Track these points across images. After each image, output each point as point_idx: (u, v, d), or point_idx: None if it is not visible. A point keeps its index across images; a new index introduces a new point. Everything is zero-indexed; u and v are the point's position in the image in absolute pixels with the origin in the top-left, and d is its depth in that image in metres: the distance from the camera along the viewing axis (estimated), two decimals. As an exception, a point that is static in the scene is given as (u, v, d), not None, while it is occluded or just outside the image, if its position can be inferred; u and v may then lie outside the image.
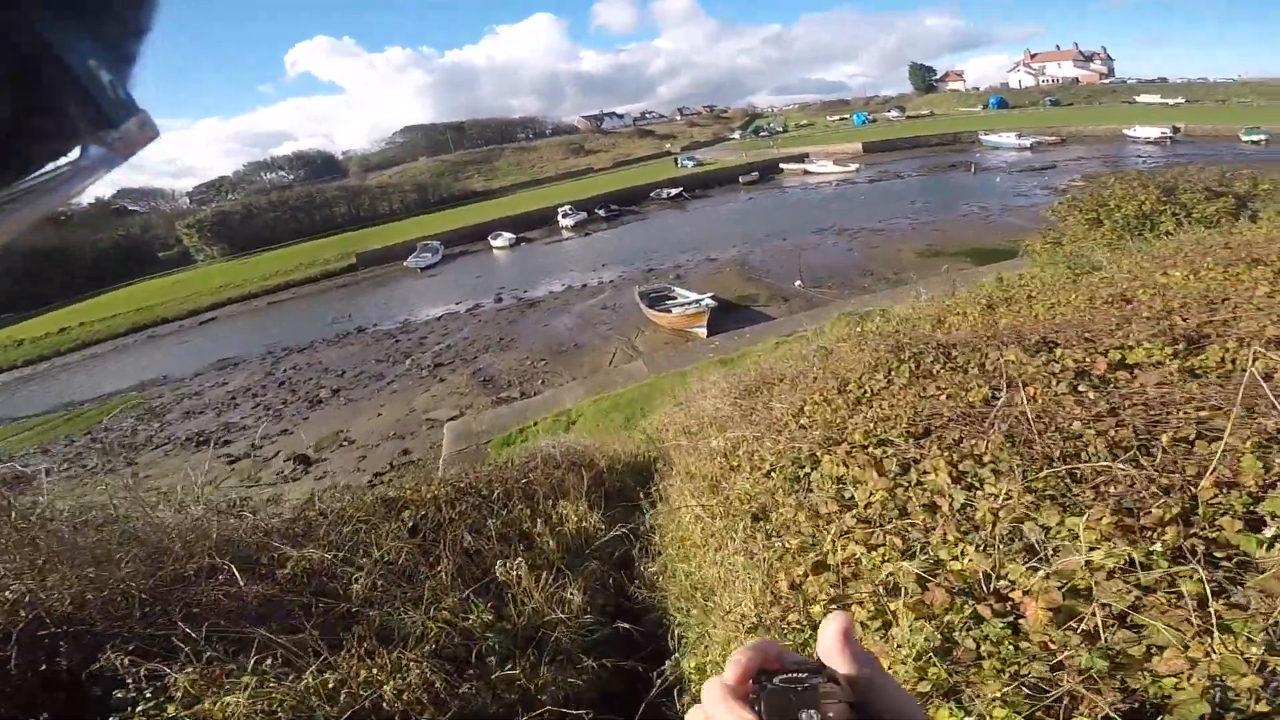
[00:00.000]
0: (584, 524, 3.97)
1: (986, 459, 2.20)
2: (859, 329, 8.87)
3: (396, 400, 17.81)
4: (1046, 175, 37.32)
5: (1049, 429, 2.21)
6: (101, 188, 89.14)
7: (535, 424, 11.72)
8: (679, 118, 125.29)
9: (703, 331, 16.83)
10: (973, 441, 2.34)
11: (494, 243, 41.44)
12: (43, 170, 0.21)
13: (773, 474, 3.09)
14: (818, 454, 2.92)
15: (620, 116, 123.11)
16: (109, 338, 36.90)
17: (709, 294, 18.84)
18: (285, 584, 3.14)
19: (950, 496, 2.06)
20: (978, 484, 2.11)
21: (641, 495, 4.72)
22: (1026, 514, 1.82)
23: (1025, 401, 2.32)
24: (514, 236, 41.53)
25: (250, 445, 16.63)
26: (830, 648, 0.48)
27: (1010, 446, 2.19)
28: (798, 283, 21.20)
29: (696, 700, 0.48)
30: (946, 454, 2.32)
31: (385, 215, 66.64)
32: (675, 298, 20.15)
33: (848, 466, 2.64)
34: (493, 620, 3.28)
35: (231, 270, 50.97)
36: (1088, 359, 2.79)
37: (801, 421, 3.68)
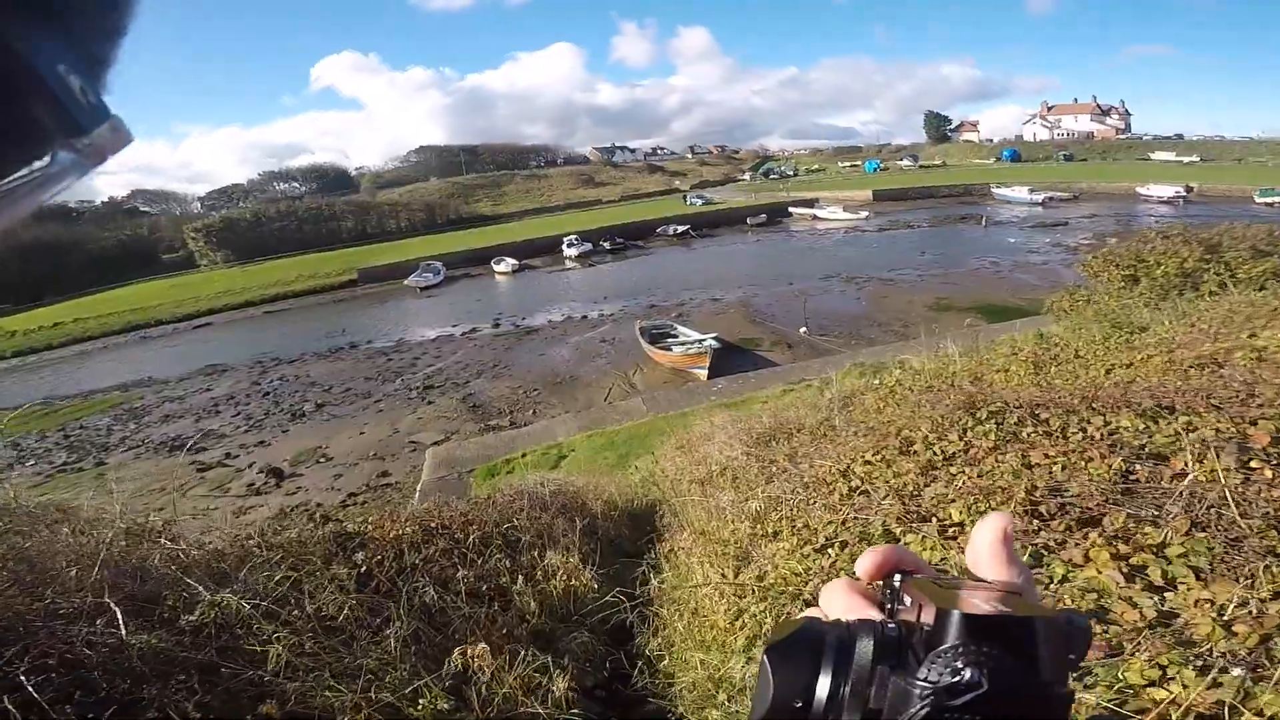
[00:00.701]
0: (574, 581, 3.35)
1: (1172, 550, 1.63)
2: (876, 380, 8.34)
3: (381, 420, 17.30)
4: (1058, 232, 37.06)
5: (1248, 512, 1.65)
6: (117, 187, 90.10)
7: (523, 455, 11.05)
8: (690, 155, 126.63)
9: (703, 373, 16.27)
10: (1137, 526, 1.77)
11: (496, 268, 41.09)
12: (12, 178, 0.21)
13: (830, 549, 2.50)
14: (895, 531, 2.34)
15: (632, 150, 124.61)
16: (101, 335, 36.51)
17: (712, 334, 18.37)
18: (187, 636, 2.51)
19: (1135, 602, 1.48)
20: (1167, 583, 1.55)
21: (642, 551, 4.11)
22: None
23: (1217, 477, 1.76)
24: (517, 263, 41.14)
25: (224, 454, 16.09)
26: (984, 553, 0.42)
27: (1200, 534, 1.63)
28: (803, 329, 20.71)
29: None
30: (1106, 543, 1.75)
31: (392, 233, 66.41)
32: (677, 336, 19.66)
33: (946, 551, 2.06)
34: (450, 710, 2.65)
35: (232, 277, 50.65)
36: (1233, 428, 2.24)
37: (853, 483, 3.09)
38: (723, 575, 2.76)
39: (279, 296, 42.03)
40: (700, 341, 17.60)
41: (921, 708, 0.34)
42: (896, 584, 0.42)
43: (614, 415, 13.13)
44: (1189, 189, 47.05)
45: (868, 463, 3.23)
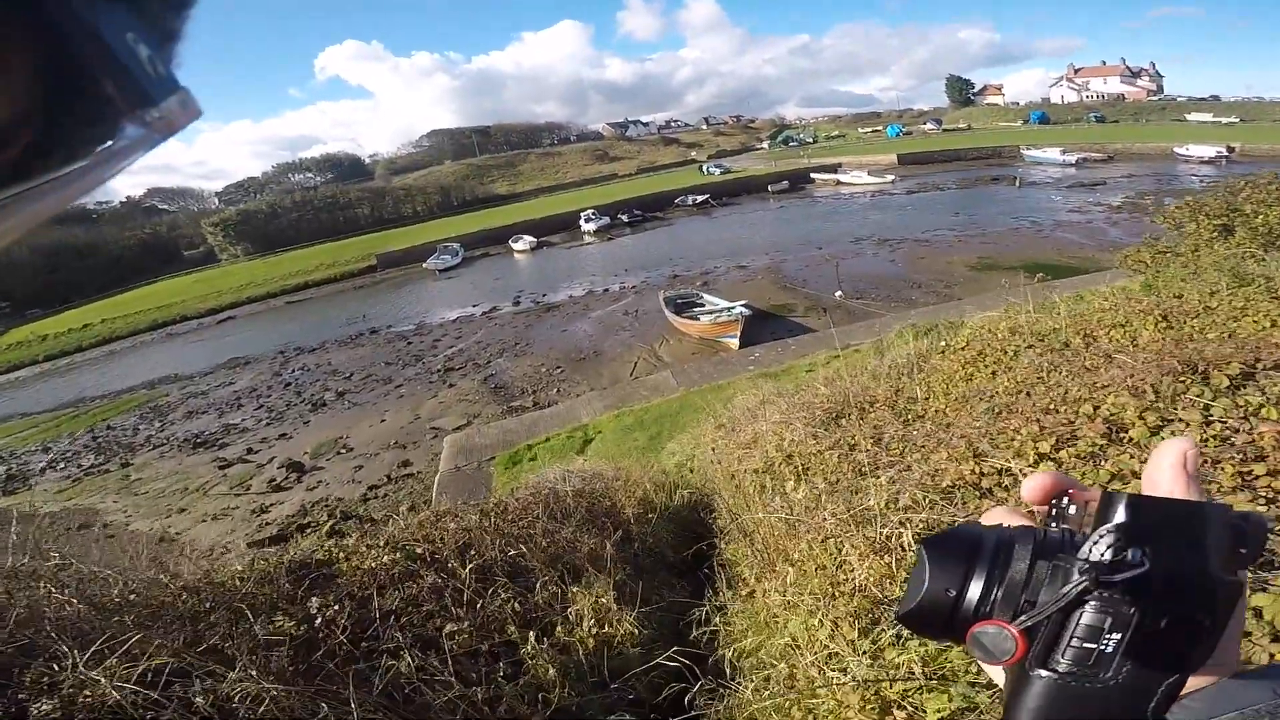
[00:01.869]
0: (608, 629, 2.44)
1: None
2: (943, 341, 7.30)
3: (402, 406, 16.74)
4: (1097, 192, 35.23)
5: None
6: (133, 187, 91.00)
7: (546, 440, 10.22)
8: (705, 127, 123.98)
9: (734, 342, 15.32)
10: None
11: (514, 246, 40.60)
12: (90, 154, 0.20)
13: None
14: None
15: (646, 124, 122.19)
16: (129, 334, 37.10)
17: (741, 301, 17.33)
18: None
19: None
20: None
21: (690, 566, 3.19)
22: None
23: None
24: (535, 240, 40.55)
25: (246, 449, 15.81)
26: (1162, 477, 0.39)
27: None
28: (838, 293, 19.68)
29: None
30: None
31: (408, 217, 66.17)
32: (704, 305, 18.73)
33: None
34: None
35: (254, 269, 51.19)
36: None
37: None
38: (850, 644, 1.82)
39: (300, 286, 42.21)
40: (730, 309, 16.62)
41: (1079, 583, 0.33)
42: (1064, 503, 0.40)
43: (641, 392, 12.21)
44: (1231, 149, 44.86)
45: (1050, 458, 2.25)
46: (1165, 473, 0.39)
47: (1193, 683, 0.37)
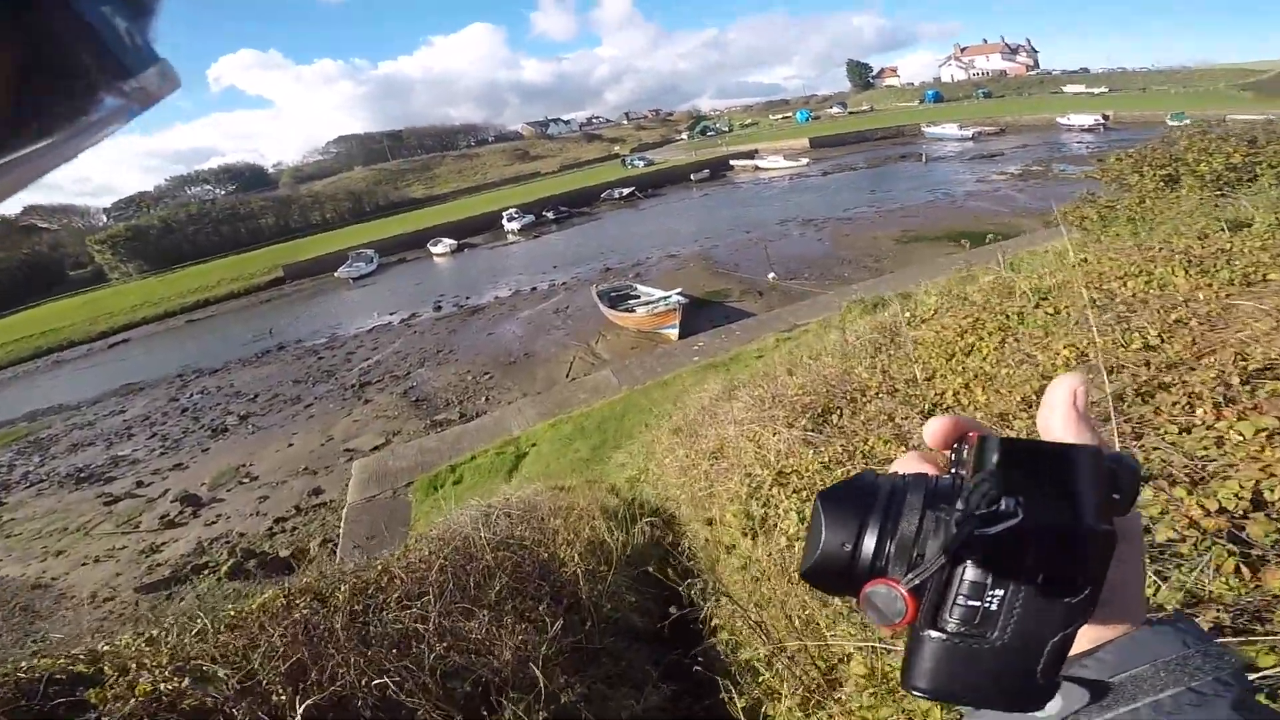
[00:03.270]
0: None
1: None
2: (909, 312, 6.68)
3: (312, 427, 15.28)
4: (997, 162, 36.96)
5: None
6: (7, 206, 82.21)
7: (472, 458, 9.06)
8: (626, 122, 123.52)
9: (674, 332, 14.64)
10: None
11: (434, 249, 38.70)
12: (67, 128, 0.20)
13: None
14: None
15: (567, 123, 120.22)
16: (10, 364, 33.93)
17: (676, 290, 16.63)
18: None
19: None
20: None
21: (657, 629, 2.28)
22: None
23: None
24: (455, 242, 38.76)
25: (136, 483, 14.29)
26: (1054, 415, 0.39)
27: None
28: (771, 275, 19.44)
29: None
30: None
31: (317, 226, 62.63)
32: (639, 296, 18.00)
33: None
34: None
35: (149, 288, 47.29)
36: None
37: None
38: None
39: (200, 304, 39.32)
40: (666, 298, 15.90)
41: (955, 537, 0.33)
42: (962, 448, 0.39)
43: (580, 394, 11.18)
44: (1106, 116, 48.29)
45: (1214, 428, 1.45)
46: (1055, 412, 0.38)
47: (1102, 634, 0.37)
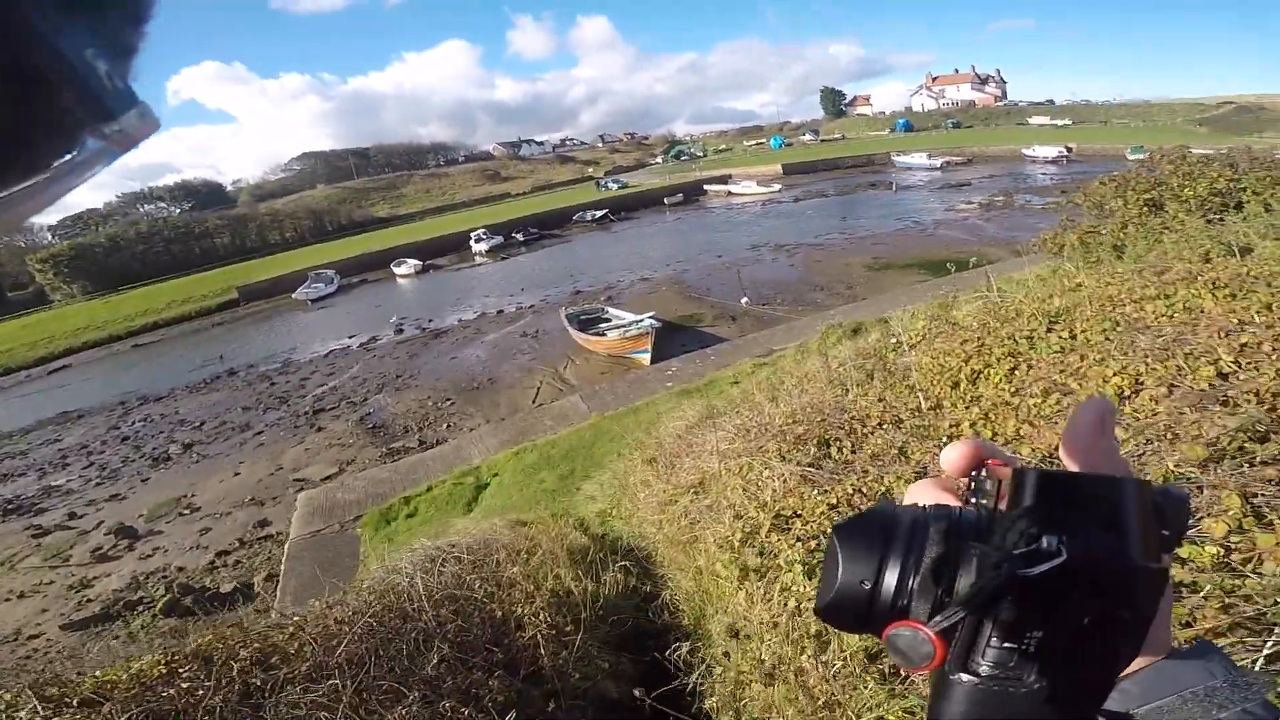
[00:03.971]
0: None
1: None
2: (903, 338, 6.36)
3: (261, 456, 14.45)
4: (964, 192, 37.87)
5: None
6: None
7: (429, 489, 8.33)
8: (601, 144, 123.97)
9: (646, 357, 14.19)
10: None
11: (397, 270, 37.57)
12: (53, 167, 0.20)
13: None
14: None
15: (540, 144, 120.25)
16: None
17: (649, 314, 16.24)
18: None
19: None
20: None
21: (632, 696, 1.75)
22: None
23: None
24: (420, 263, 37.70)
25: (68, 514, 13.36)
26: (1078, 440, 0.37)
27: None
28: (744, 300, 19.35)
29: None
30: None
31: (276, 245, 60.43)
32: (610, 320, 17.55)
33: None
34: None
35: (93, 310, 44.73)
36: None
37: None
38: None
39: (147, 327, 37.18)
40: (638, 322, 15.48)
41: (992, 579, 0.30)
42: (981, 475, 0.37)
43: (545, 421, 10.56)
44: (1069, 149, 49.66)
45: None
46: (1081, 439, 0.37)
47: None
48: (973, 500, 0.37)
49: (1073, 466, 0.37)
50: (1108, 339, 3.29)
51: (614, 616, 2.96)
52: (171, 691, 1.92)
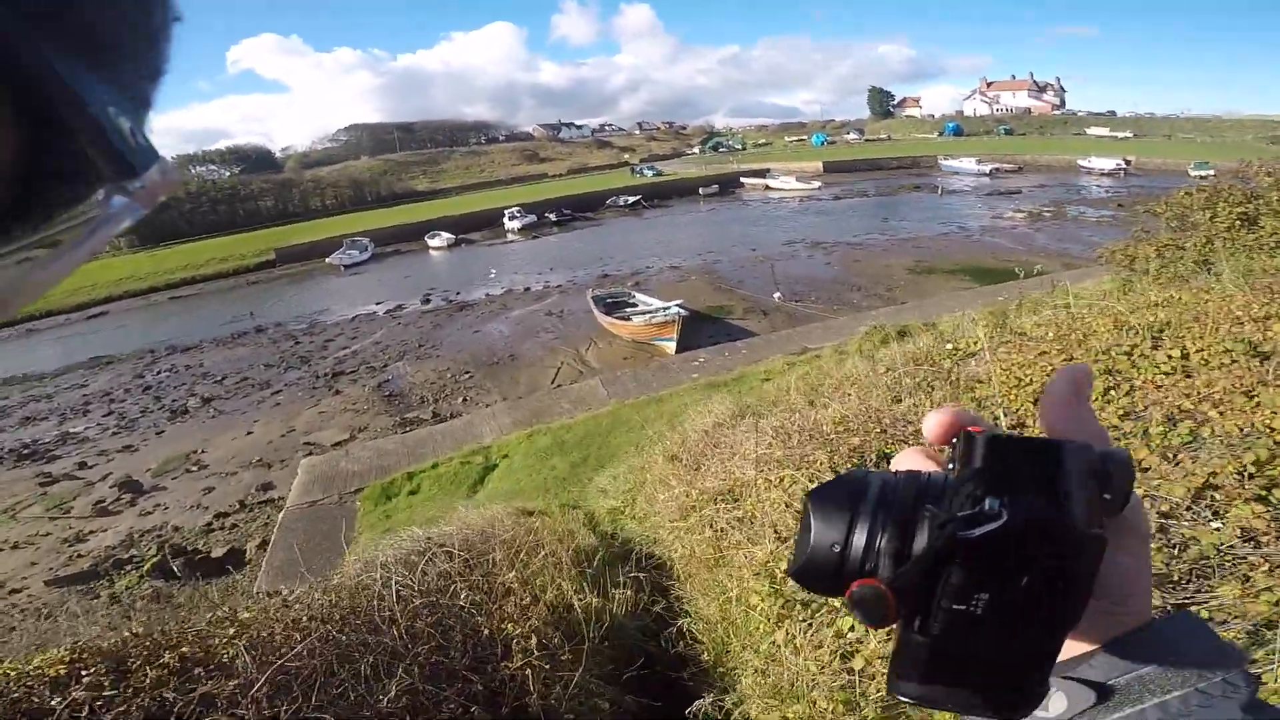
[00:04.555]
0: None
1: None
2: (950, 344, 5.82)
3: (275, 416, 14.32)
4: (1015, 200, 36.55)
5: None
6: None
7: (434, 465, 7.98)
8: (639, 132, 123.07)
9: (671, 346, 13.74)
10: None
11: (430, 242, 37.55)
12: (65, 218, 0.20)
13: None
14: None
15: (579, 127, 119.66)
16: None
17: (676, 301, 15.74)
18: None
19: None
20: None
21: None
22: None
23: None
24: (453, 237, 37.67)
25: (78, 463, 13.33)
26: (1053, 407, 0.38)
27: None
28: (776, 295, 18.73)
29: None
30: None
31: (317, 211, 61.11)
32: (636, 305, 17.12)
33: None
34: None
35: (137, 262, 45.71)
36: None
37: None
38: None
39: (186, 281, 37.92)
40: (665, 309, 15.00)
41: (937, 540, 0.32)
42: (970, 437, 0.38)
43: (563, 404, 10.14)
44: (1127, 161, 47.77)
45: None
46: (1055, 403, 0.37)
47: (1108, 633, 0.36)
48: (949, 466, 0.37)
49: (1051, 434, 0.36)
50: (1235, 361, 2.71)
51: (620, 640, 2.50)
52: (57, 700, 1.53)
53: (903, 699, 0.33)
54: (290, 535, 7.16)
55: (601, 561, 3.14)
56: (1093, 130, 74.05)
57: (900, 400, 3.89)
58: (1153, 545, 1.74)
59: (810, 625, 1.82)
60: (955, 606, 0.31)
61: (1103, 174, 46.54)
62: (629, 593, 2.75)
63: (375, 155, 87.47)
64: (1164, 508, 1.68)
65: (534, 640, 2.19)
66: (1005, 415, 2.84)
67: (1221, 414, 2.11)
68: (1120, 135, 68.32)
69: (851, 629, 1.73)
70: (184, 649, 1.96)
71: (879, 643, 1.63)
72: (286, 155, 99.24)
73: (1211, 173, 39.41)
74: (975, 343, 5.28)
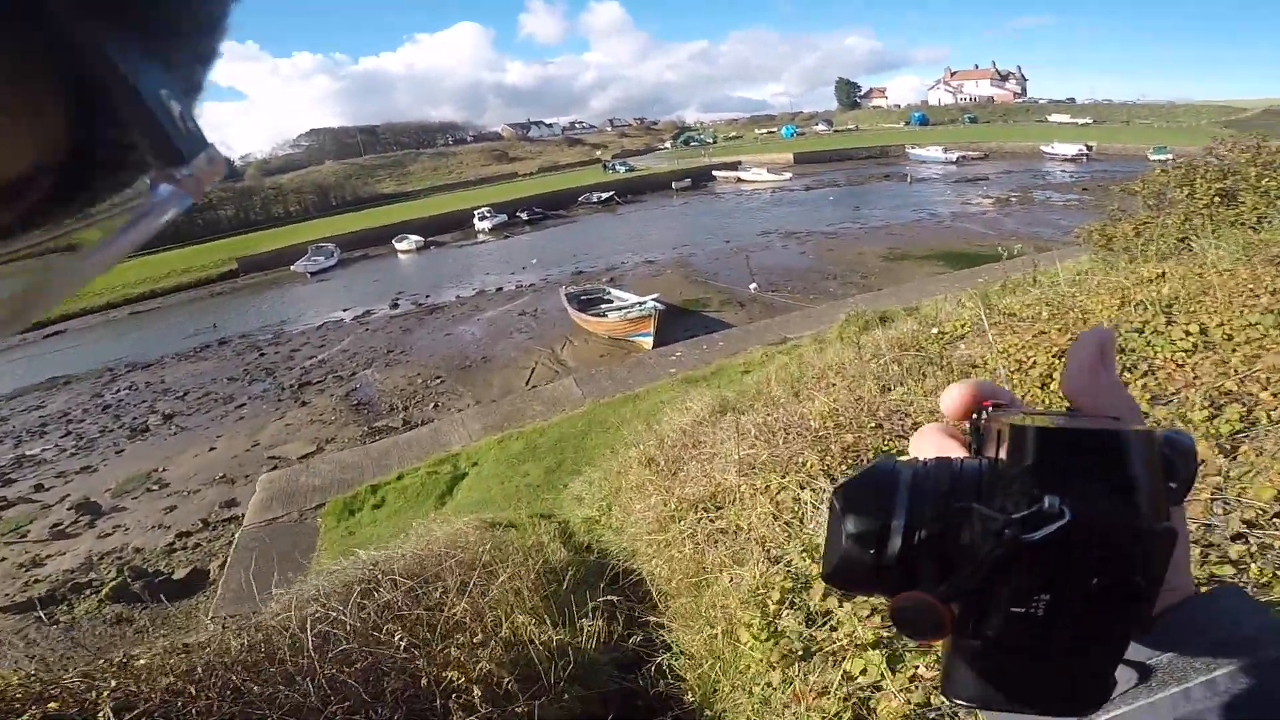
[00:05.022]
0: None
1: None
2: (934, 329, 5.60)
3: (240, 430, 13.81)
4: (982, 186, 37.04)
5: None
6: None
7: (399, 477, 7.55)
8: (610, 129, 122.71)
9: (648, 341, 13.44)
10: None
11: (398, 245, 36.88)
12: (110, 206, 0.20)
13: None
14: None
15: (549, 126, 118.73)
16: None
17: (652, 296, 15.43)
18: None
19: None
20: None
21: None
22: None
23: None
24: (422, 239, 37.02)
25: (35, 486, 12.84)
26: (1078, 374, 0.36)
27: None
28: (753, 286, 18.53)
29: None
30: None
31: (280, 219, 59.75)
32: (611, 301, 16.74)
33: None
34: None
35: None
36: None
37: None
38: None
39: (146, 295, 36.70)
40: (641, 304, 14.67)
41: (997, 545, 0.30)
42: (983, 419, 0.37)
43: (534, 406, 9.74)
44: (1089, 147, 48.54)
45: None
46: (1081, 370, 0.35)
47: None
48: (974, 446, 0.36)
49: (1075, 404, 0.35)
50: (1265, 335, 2.45)
51: (591, 680, 2.16)
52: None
53: (958, 702, 0.32)
54: (247, 556, 6.70)
55: (572, 581, 2.80)
56: (1054, 117, 75.27)
57: (889, 389, 3.60)
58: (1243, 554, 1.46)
59: (816, 671, 1.50)
60: (1014, 609, 0.29)
61: (1066, 159, 47.30)
62: (601, 622, 2.41)
63: (340, 159, 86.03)
64: (1248, 514, 1.39)
65: (477, 692, 1.83)
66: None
67: (1276, 395, 1.84)
68: (1081, 121, 69.69)
69: (863, 672, 1.43)
70: (51, 704, 1.58)
71: (900, 690, 1.32)
72: (247, 163, 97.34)
73: (1170, 157, 40.49)
74: (962, 325, 5.04)
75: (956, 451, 0.37)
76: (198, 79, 0.22)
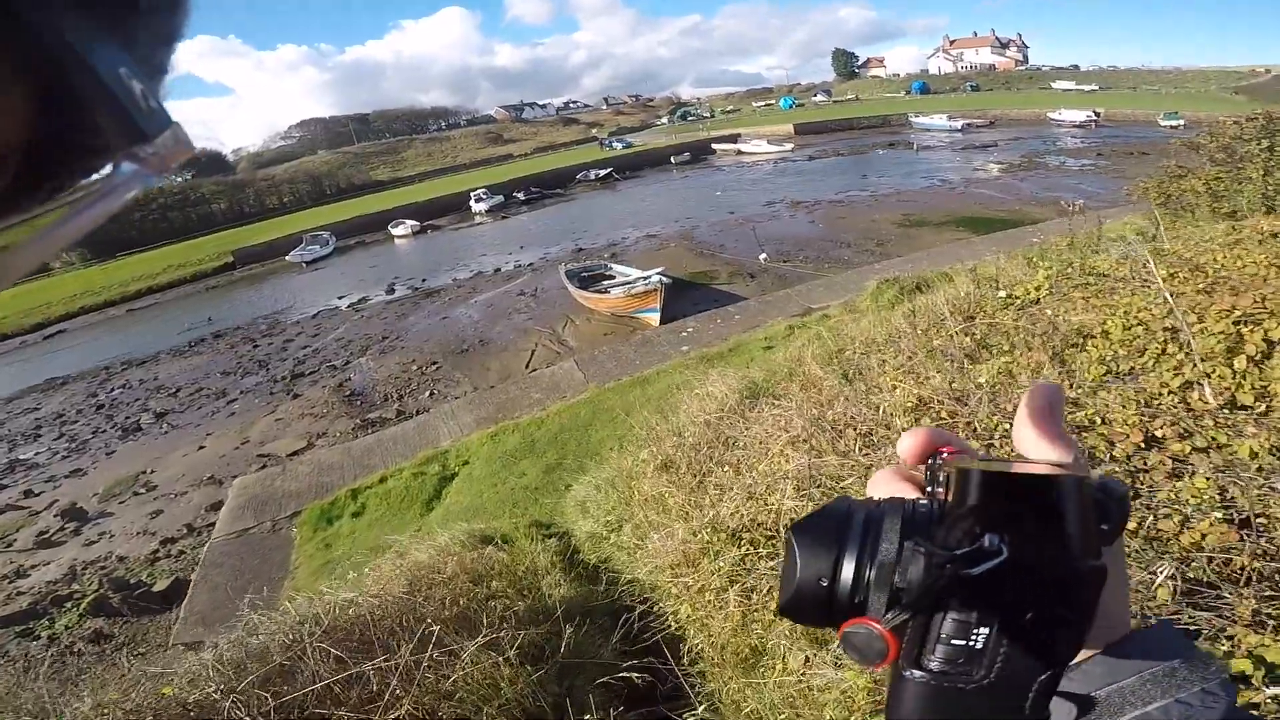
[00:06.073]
0: None
1: None
2: (1004, 293, 4.84)
3: (230, 426, 13.36)
4: (992, 152, 35.94)
5: None
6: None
7: (383, 479, 6.82)
8: (605, 107, 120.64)
9: (655, 316, 12.70)
10: None
11: (394, 231, 36.20)
12: (75, 188, 0.20)
13: None
14: None
15: (543, 107, 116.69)
16: None
17: (657, 269, 14.60)
18: None
19: None
20: None
21: None
22: None
23: None
24: (418, 224, 36.33)
25: (24, 491, 12.62)
26: (1027, 426, 0.38)
27: None
28: (763, 256, 17.72)
29: None
30: None
31: (274, 210, 59.06)
32: (614, 276, 16.03)
33: None
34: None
35: (89, 277, 44.22)
36: None
37: None
38: None
39: (143, 292, 36.58)
40: (645, 278, 13.90)
41: (939, 578, 0.32)
42: (937, 464, 0.39)
43: (532, 394, 8.94)
44: (1098, 114, 47.54)
45: None
46: (1029, 422, 0.37)
47: (1088, 646, 0.37)
48: (928, 489, 0.37)
49: (1024, 452, 0.37)
50: None
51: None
52: None
53: None
54: (215, 573, 6.00)
55: (574, 638, 2.05)
56: (1058, 84, 73.21)
57: (972, 365, 2.81)
58: None
59: None
60: (954, 641, 0.31)
61: (1074, 126, 46.24)
62: (620, 703, 1.67)
63: (332, 149, 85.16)
64: None
65: None
66: (1211, 389, 1.75)
67: None
68: (1087, 88, 67.86)
69: None
70: None
71: None
72: (239, 156, 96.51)
73: (1181, 122, 39.75)
74: (1038, 287, 4.23)
75: (910, 493, 0.38)
76: (160, 59, 0.22)
